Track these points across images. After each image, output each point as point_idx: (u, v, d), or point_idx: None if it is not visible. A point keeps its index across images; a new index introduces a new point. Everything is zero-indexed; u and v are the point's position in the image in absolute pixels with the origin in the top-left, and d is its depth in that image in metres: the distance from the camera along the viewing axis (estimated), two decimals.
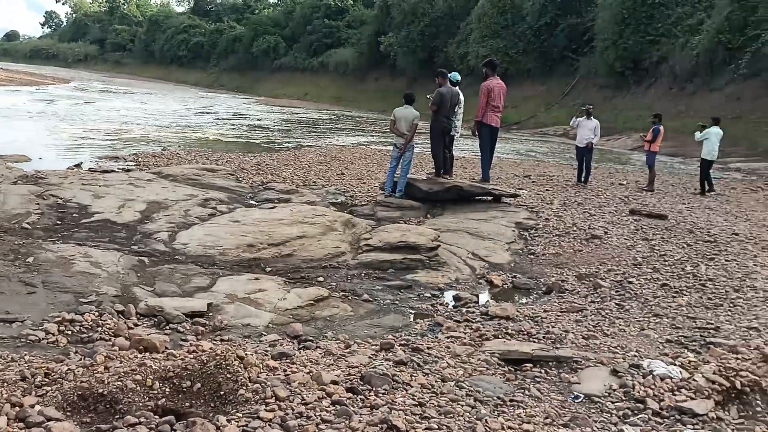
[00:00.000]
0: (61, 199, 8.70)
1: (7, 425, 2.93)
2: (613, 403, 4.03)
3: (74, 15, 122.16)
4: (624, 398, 4.08)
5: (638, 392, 4.11)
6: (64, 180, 9.91)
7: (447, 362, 4.42)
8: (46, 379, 3.45)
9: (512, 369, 4.49)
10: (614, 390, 4.17)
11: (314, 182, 12.24)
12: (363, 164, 15.21)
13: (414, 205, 10.10)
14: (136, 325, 4.76)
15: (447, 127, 10.46)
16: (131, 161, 13.59)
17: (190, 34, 77.33)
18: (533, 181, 13.81)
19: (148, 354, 3.91)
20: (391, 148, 10.93)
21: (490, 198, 10.56)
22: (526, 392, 4.10)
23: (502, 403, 3.87)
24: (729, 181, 16.69)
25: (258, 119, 30.80)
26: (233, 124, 27.01)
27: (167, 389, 3.38)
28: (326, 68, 56.55)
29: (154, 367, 3.54)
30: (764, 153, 21.50)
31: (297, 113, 37.13)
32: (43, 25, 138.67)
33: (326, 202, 10.33)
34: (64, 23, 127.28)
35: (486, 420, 3.52)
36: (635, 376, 4.33)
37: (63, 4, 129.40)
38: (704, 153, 13.92)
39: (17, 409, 3.05)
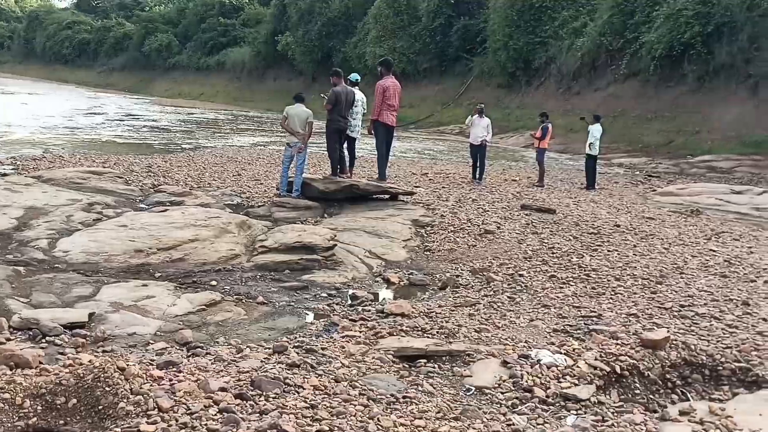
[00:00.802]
0: None
1: None
2: (502, 393, 4.13)
3: None
4: (513, 388, 4.19)
5: (526, 382, 4.24)
6: None
7: (341, 362, 4.39)
8: None
9: (406, 366, 4.52)
10: (504, 381, 4.27)
11: (209, 184, 11.91)
12: (260, 165, 14.96)
13: (311, 205, 10.03)
14: (8, 339, 4.43)
15: (342, 126, 10.45)
16: (8, 165, 12.72)
17: (74, 31, 73.42)
18: (430, 179, 14.04)
19: (19, 370, 3.65)
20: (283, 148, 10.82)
21: (387, 196, 10.64)
22: (419, 388, 4.13)
23: (395, 400, 3.87)
24: (612, 176, 17.62)
25: (151, 120, 29.68)
26: (124, 126, 25.89)
27: (39, 407, 3.17)
28: (222, 67, 55.26)
29: (25, 384, 3.31)
30: (644, 149, 22.88)
31: (193, 113, 36.07)
32: None
33: (221, 204, 10.07)
34: None
35: (378, 418, 3.51)
36: (524, 366, 4.46)
37: None
38: (587, 149, 14.61)
39: None
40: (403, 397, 3.91)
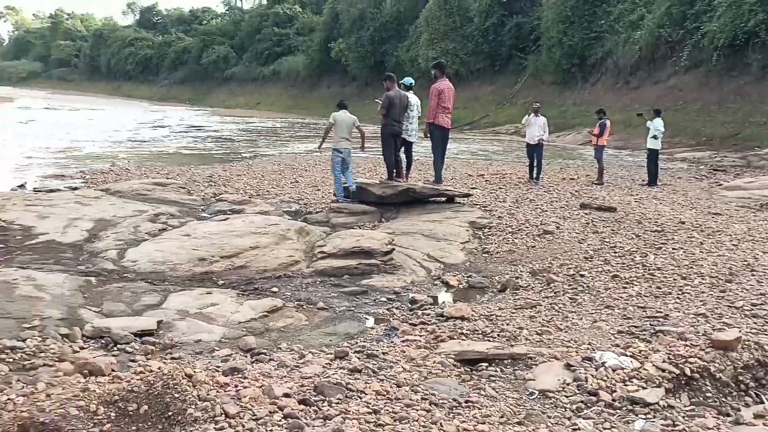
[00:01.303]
0: (3, 221, 8.42)
1: None
2: (567, 397, 4.06)
3: (16, 32, 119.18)
4: (577, 392, 4.11)
5: (591, 385, 4.15)
6: (6, 202, 9.59)
7: (402, 367, 4.40)
8: None
9: (468, 369, 4.49)
10: (568, 384, 4.20)
11: (267, 192, 12.12)
12: (317, 171, 15.14)
13: (368, 209, 10.09)
14: (81, 348, 4.62)
15: (397, 130, 10.48)
16: (78, 179, 13.25)
17: (137, 48, 76.10)
18: (486, 180, 13.93)
19: (92, 378, 3.80)
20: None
21: (443, 199, 10.61)
22: (482, 392, 4.10)
23: (457, 404, 3.86)
24: (675, 171, 17.10)
25: (212, 131, 30.43)
26: (186, 137, 26.62)
27: (112, 414, 3.27)
28: (278, 76, 56.29)
29: (99, 391, 3.43)
30: (707, 142, 22.12)
31: (251, 123, 36.82)
32: None
33: (280, 211, 10.24)
34: (6, 41, 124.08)
35: (441, 423, 3.51)
36: (588, 368, 4.37)
37: (4, 21, 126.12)
38: (650, 143, 14.23)
39: None
40: (466, 402, 3.89)
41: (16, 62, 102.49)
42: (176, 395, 3.38)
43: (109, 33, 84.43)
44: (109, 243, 7.76)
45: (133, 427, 3.22)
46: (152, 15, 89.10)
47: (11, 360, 4.29)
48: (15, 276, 6.13)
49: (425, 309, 6.06)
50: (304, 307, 6.06)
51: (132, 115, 39.94)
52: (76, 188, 11.77)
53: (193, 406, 3.34)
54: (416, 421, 3.53)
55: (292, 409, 3.51)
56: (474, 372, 4.46)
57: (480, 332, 5.24)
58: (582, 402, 3.98)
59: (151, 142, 23.86)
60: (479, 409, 3.81)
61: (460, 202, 10.65)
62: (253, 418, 3.37)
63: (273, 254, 7.39)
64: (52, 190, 11.41)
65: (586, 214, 10.14)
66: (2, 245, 7.46)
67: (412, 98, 10.87)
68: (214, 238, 7.75)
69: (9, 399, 3.41)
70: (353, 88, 45.67)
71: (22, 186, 12.28)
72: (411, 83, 11.24)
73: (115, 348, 4.69)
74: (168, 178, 12.87)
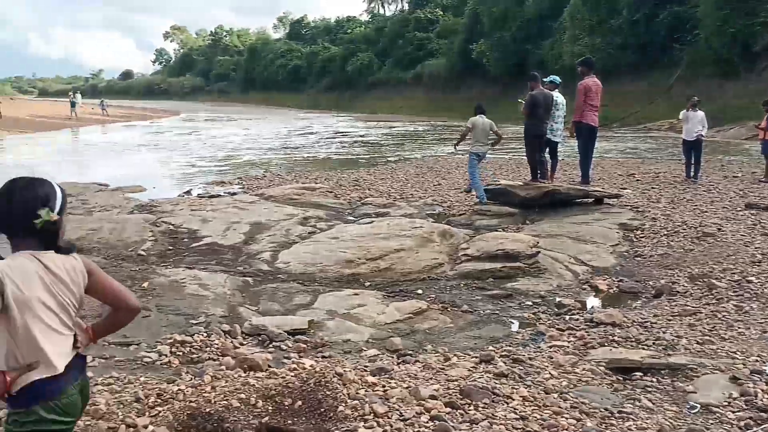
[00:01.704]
0: (172, 225, 9.18)
1: None
2: (733, 412, 3.76)
3: (181, 51, 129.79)
4: (745, 407, 3.80)
5: (762, 400, 3.82)
6: (175, 207, 10.46)
7: (550, 373, 4.29)
8: (159, 400, 3.62)
9: (620, 378, 4.30)
10: (734, 398, 3.89)
11: (411, 195, 12.28)
12: (460, 173, 15.11)
13: (512, 212, 9.93)
14: (241, 344, 4.93)
15: (541, 130, 10.24)
16: (236, 185, 14.17)
17: (287, 59, 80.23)
18: (638, 180, 13.23)
19: (252, 372, 4.04)
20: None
21: (591, 200, 10.21)
22: (637, 403, 3.90)
23: (609, 414, 3.70)
24: None
25: (358, 136, 31.37)
26: (332, 143, 27.63)
27: (270, 407, 3.47)
28: (419, 80, 56.95)
29: (257, 385, 3.65)
30: None
31: (394, 127, 37.52)
32: (154, 62, 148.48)
33: (423, 214, 10.34)
34: (173, 59, 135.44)
35: None
36: (758, 382, 4.03)
37: (171, 41, 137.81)
38: None
39: (131, 429, 3.22)
40: (619, 412, 3.72)
41: (181, 78, 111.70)
42: (328, 392, 3.52)
43: (262, 47, 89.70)
44: (264, 245, 8.22)
45: (289, 421, 3.38)
46: (301, 27, 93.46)
47: (181, 353, 4.68)
48: (183, 276, 6.67)
49: (573, 314, 5.87)
50: (449, 309, 6.08)
51: (282, 124, 42.07)
52: (234, 194, 12.59)
53: (343, 404, 3.46)
54: (566, 429, 3.43)
55: (439, 411, 3.53)
56: (627, 381, 4.25)
57: (633, 340, 4.99)
58: (751, 419, 3.67)
59: (300, 148, 25.00)
60: (634, 420, 3.63)
61: (609, 204, 10.20)
62: (401, 418, 3.43)
63: (417, 257, 7.47)
64: (213, 196, 12.28)
65: (752, 214, 9.34)
66: (172, 247, 8.14)
67: (558, 97, 10.58)
68: (361, 240, 7.98)
69: (180, 389, 3.71)
70: (495, 89, 45.15)
71: (188, 192, 13.32)
72: (556, 81, 10.94)
73: (270, 345, 4.96)
74: (316, 183, 13.41)
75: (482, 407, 3.64)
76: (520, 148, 11.74)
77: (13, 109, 44.68)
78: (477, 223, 9.67)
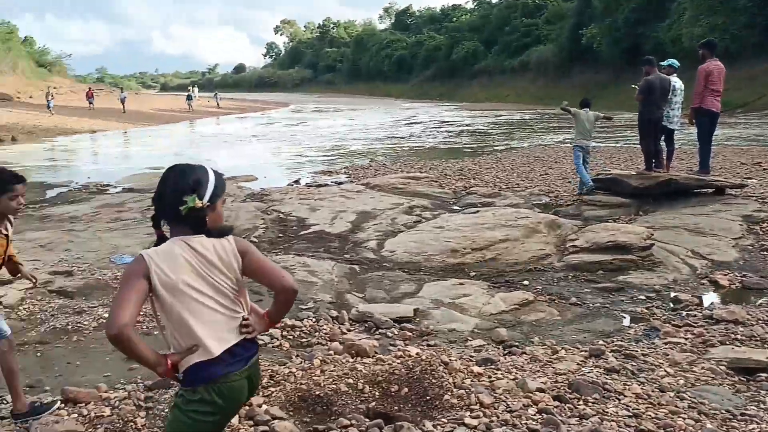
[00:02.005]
0: (282, 213, 9.50)
1: (239, 423, 3.25)
2: None
3: (290, 44, 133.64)
4: None
5: None
6: (284, 196, 10.81)
7: (665, 370, 4.11)
8: (271, 381, 3.77)
9: (743, 379, 4.05)
10: None
11: (517, 184, 12.07)
12: (568, 162, 14.68)
13: (624, 202, 9.55)
14: (348, 330, 5.03)
15: (657, 117, 9.75)
16: (342, 174, 14.44)
17: (392, 49, 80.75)
18: (765, 169, 12.35)
19: (359, 358, 4.12)
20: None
21: (711, 190, 9.63)
22: (761, 405, 3.67)
23: (731, 416, 3.50)
24: None
25: (463, 125, 31.16)
26: (437, 132, 27.59)
27: (377, 393, 3.52)
28: (526, 68, 55.76)
29: (365, 371, 3.72)
30: None
31: (500, 115, 36.97)
32: (264, 55, 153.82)
33: (529, 204, 10.14)
34: (282, 52, 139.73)
35: None
36: None
37: (281, 35, 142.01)
38: None
39: (246, 408, 3.36)
40: (741, 414, 3.52)
41: (290, 70, 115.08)
42: (434, 381, 3.54)
43: (368, 38, 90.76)
44: (370, 234, 8.35)
45: (395, 407, 3.43)
46: (406, 17, 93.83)
47: (291, 337, 4.84)
48: (292, 262, 6.89)
49: (690, 310, 5.58)
50: (556, 301, 5.94)
51: (387, 114, 42.43)
52: (341, 183, 12.85)
53: (449, 393, 3.47)
54: (683, 430, 3.28)
55: (547, 405, 3.46)
56: (751, 383, 4.00)
57: (758, 338, 4.69)
58: None
59: (405, 138, 25.13)
60: (758, 423, 3.41)
61: (731, 194, 9.59)
62: (508, 409, 3.39)
63: (523, 247, 7.35)
64: (320, 185, 12.59)
65: None
66: (282, 235, 8.42)
67: (676, 82, 10.02)
68: (466, 230, 7.93)
69: (291, 372, 3.84)
70: (606, 75, 43.51)
71: (296, 182, 13.73)
72: (675, 65, 10.36)
73: (377, 332, 5.03)
74: (421, 173, 13.44)
75: (592, 402, 3.54)
76: (633, 136, 11.25)
77: (138, 103, 47.74)
78: (586, 213, 9.37)
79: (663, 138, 10.23)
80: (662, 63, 10.28)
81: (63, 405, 3.55)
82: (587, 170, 10.51)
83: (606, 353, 4.39)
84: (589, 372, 3.99)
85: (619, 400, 3.60)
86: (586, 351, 4.48)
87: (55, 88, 43.29)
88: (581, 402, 3.54)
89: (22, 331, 4.86)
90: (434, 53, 71.06)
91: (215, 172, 2.23)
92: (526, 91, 52.79)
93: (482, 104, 50.23)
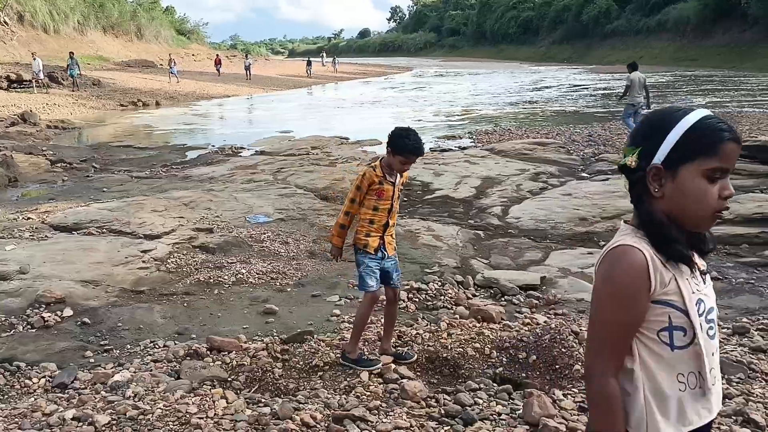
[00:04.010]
0: (408, 178, 9.56)
1: (368, 379, 3.35)
2: None
3: (415, 7, 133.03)
4: None
5: None
6: None
7: None
8: (399, 341, 3.84)
9: None
10: None
11: None
12: None
13: None
14: (474, 295, 5.02)
15: None
16: (466, 139, 14.29)
17: (519, 10, 78.35)
18: None
19: (485, 324, 4.10)
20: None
21: None
22: None
23: None
24: None
25: (592, 89, 29.86)
26: (565, 97, 26.62)
27: (504, 359, 3.51)
28: (663, 27, 52.38)
29: (491, 336, 3.71)
30: None
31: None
32: (389, 20, 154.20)
33: None
34: (407, 16, 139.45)
35: None
36: None
37: None
38: None
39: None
40: None
41: (414, 34, 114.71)
42: (563, 350, 3.47)
43: (493, 0, 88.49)
44: (495, 200, 8.24)
45: (523, 374, 3.40)
46: None
47: (417, 300, 4.90)
48: (417, 226, 6.95)
49: None
50: None
51: (512, 78, 41.38)
52: (464, 148, 12.72)
53: (579, 363, 3.39)
54: None
55: None
56: None
57: None
58: None
59: (532, 103, 24.44)
60: None
61: None
62: None
63: None
64: (444, 150, 12.53)
65: None
66: (406, 199, 8.49)
67: None
68: (596, 198, 7.65)
69: (418, 333, 3.90)
70: (755, 33, 40.07)
71: None
72: None
73: (502, 299, 4.98)
74: (548, 138, 13.05)
75: (736, 382, 3.34)
76: None
77: (266, 69, 49.39)
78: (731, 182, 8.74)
79: None
80: None
81: (208, 352, 3.80)
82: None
83: (751, 331, 4.12)
84: (732, 350, 3.77)
85: (767, 381, 3.37)
86: (728, 328, 4.22)
87: (180, 55, 45.66)
88: (723, 381, 3.34)
89: (171, 282, 5.23)
90: (563, 14, 68.22)
91: None
92: (662, 52, 49.67)
93: (614, 67, 47.74)
